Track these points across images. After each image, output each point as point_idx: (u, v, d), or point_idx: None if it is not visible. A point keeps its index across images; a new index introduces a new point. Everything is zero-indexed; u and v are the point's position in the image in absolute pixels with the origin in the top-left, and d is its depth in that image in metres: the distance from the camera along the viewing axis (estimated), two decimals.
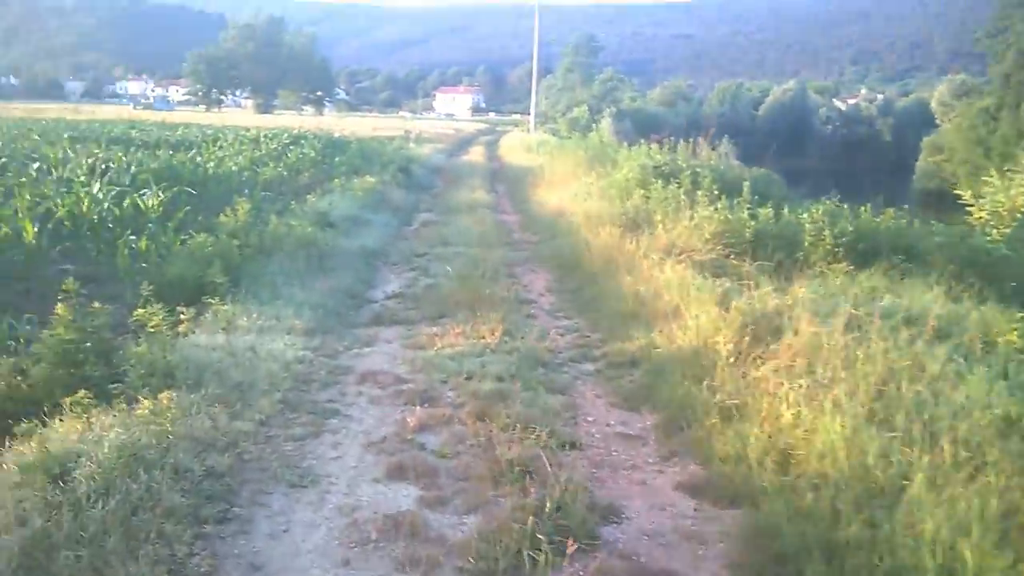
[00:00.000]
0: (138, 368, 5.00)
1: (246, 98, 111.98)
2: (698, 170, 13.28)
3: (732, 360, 6.11)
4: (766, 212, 10.48)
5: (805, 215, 10.00)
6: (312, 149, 21.07)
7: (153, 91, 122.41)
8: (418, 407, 5.52)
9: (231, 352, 5.86)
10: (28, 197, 9.23)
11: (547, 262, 11.25)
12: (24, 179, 11.01)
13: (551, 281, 10.07)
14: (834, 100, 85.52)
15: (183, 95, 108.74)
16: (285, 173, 17.33)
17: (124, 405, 4.61)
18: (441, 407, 5.55)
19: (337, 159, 20.25)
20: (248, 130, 27.77)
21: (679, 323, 7.31)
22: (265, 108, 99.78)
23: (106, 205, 9.72)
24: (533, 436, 5.04)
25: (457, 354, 6.56)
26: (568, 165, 19.66)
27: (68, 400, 4.35)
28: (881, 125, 75.82)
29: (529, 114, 63.47)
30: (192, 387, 5.07)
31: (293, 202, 12.34)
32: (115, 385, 4.83)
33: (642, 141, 18.53)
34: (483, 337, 7.08)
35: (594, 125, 39.27)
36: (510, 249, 11.95)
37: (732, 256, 9.88)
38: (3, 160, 13.92)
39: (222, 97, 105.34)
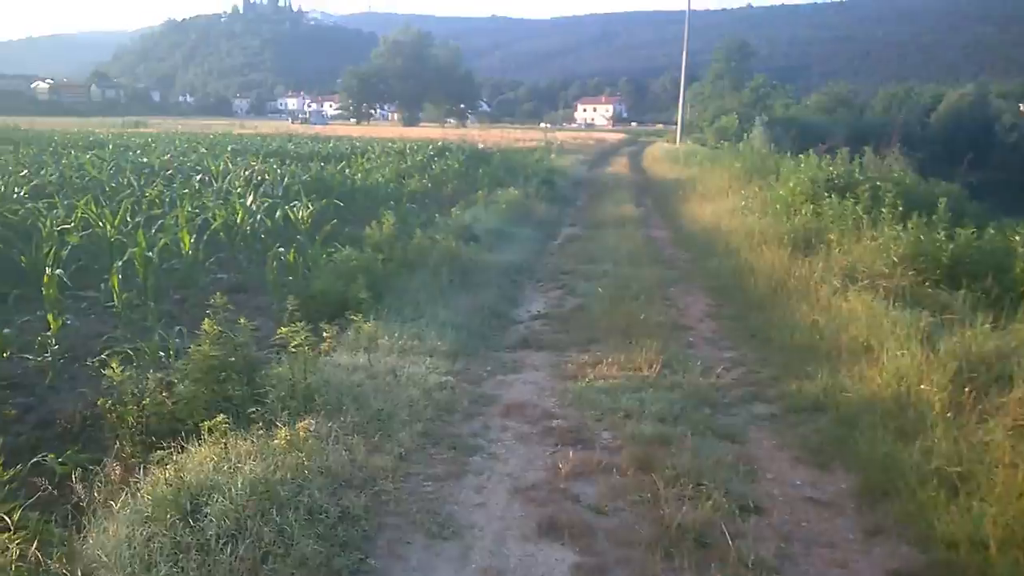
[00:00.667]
0: (279, 389, 4.73)
1: (393, 111, 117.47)
2: (879, 184, 11.85)
3: (948, 415, 5.07)
4: (967, 233, 9.07)
5: (1018, 237, 8.57)
6: (456, 161, 21.18)
7: (309, 106, 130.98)
8: (570, 449, 4.92)
9: (372, 375, 5.52)
10: (189, 208, 9.58)
11: (704, 284, 10.34)
12: (187, 190, 11.57)
13: (710, 306, 9.18)
14: (1021, 105, 77.12)
15: (336, 110, 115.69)
16: (429, 185, 17.40)
17: (262, 431, 4.33)
18: (596, 451, 4.91)
19: (480, 171, 20.20)
20: (393, 142, 28.51)
21: (871, 363, 6.28)
22: (410, 121, 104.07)
23: (259, 217, 9.93)
24: (705, 495, 4.30)
25: (611, 387, 5.90)
26: (722, 177, 18.49)
27: (207, 425, 4.11)
28: None
29: (673, 124, 61.72)
30: (331, 413, 4.74)
31: (437, 215, 12.17)
32: (254, 409, 4.57)
33: (808, 151, 17.05)
34: (639, 368, 6.38)
35: (745, 135, 37.39)
36: (662, 268, 11.13)
37: (927, 284, 8.61)
38: (170, 172, 14.83)
39: (371, 111, 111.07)
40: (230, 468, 3.78)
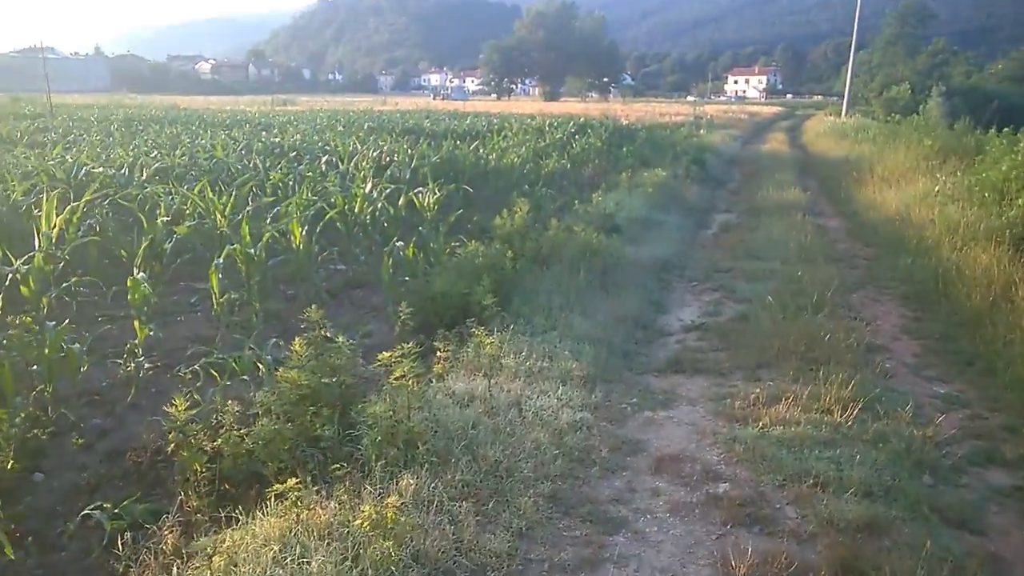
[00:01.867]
0: (376, 432, 3.83)
1: (534, 86, 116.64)
2: None
3: None
4: None
5: None
6: (598, 139, 19.80)
7: (451, 82, 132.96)
8: (744, 532, 3.70)
9: (491, 410, 4.52)
10: (308, 194, 8.99)
11: (894, 289, 8.56)
12: (311, 174, 11.07)
13: (906, 319, 7.48)
14: None
15: (477, 85, 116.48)
16: (569, 166, 16.23)
17: (348, 493, 3.44)
18: (781, 539, 3.65)
19: (624, 149, 18.76)
20: (532, 118, 27.43)
21: None
22: (551, 95, 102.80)
23: (379, 204, 9.17)
24: None
25: (794, 438, 4.57)
26: (907, 157, 16.00)
27: (274, 490, 3.26)
28: None
29: (833, 96, 56.71)
30: (436, 467, 3.78)
31: (576, 200, 11.02)
32: (339, 465, 3.69)
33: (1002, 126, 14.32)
34: (829, 410, 4.99)
35: (920, 107, 33.40)
36: (840, 267, 9.40)
37: None
38: (295, 154, 14.46)
39: (512, 86, 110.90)
40: (295, 559, 2.90)
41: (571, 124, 23.21)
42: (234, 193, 8.68)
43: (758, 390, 5.32)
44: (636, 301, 7.59)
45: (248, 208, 8.12)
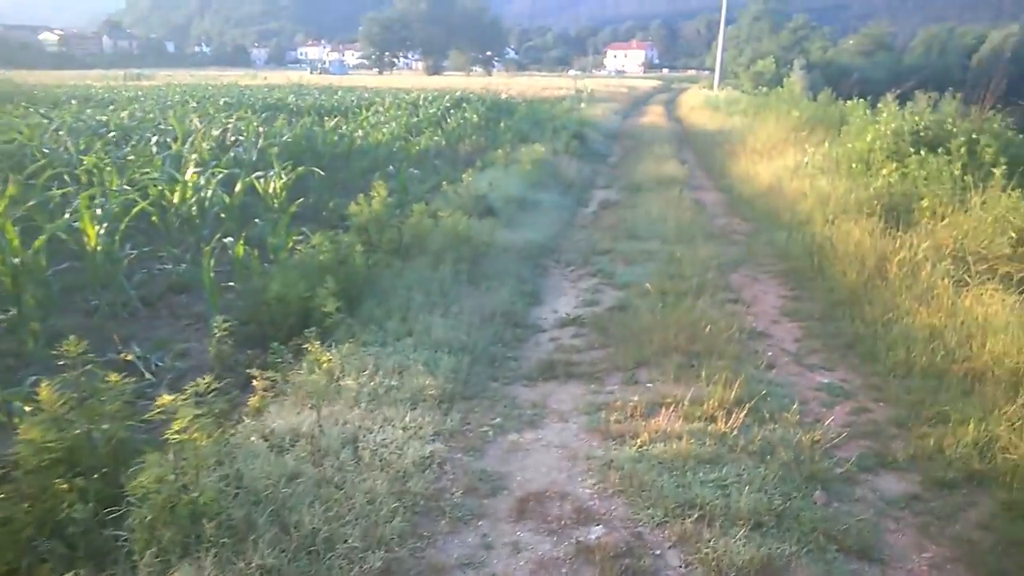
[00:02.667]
0: (146, 508, 2.90)
1: (417, 60, 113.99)
2: (975, 137, 9.60)
3: None
4: None
5: None
6: (475, 114, 18.93)
7: (329, 56, 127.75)
8: None
9: (318, 452, 3.67)
10: (117, 183, 7.62)
11: (772, 266, 8.29)
12: (132, 157, 9.49)
13: (785, 299, 7.16)
14: None
15: (358, 59, 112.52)
16: (443, 143, 15.33)
17: None
18: None
19: (503, 124, 18.02)
20: (408, 93, 26.18)
21: None
22: (435, 69, 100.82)
23: (209, 193, 7.95)
24: None
25: (676, 457, 3.98)
26: (776, 129, 16.14)
27: None
28: None
29: (707, 70, 58.30)
30: (230, 547, 2.90)
31: (445, 182, 10.18)
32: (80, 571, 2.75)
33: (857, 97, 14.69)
34: (712, 416, 4.46)
35: (783, 79, 34.66)
36: (719, 244, 9.07)
37: None
38: (121, 135, 12.51)
39: (394, 60, 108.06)
40: None
41: (447, 98, 22.18)
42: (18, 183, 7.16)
43: (636, 397, 4.72)
44: (508, 293, 6.89)
45: (31, 202, 6.69)
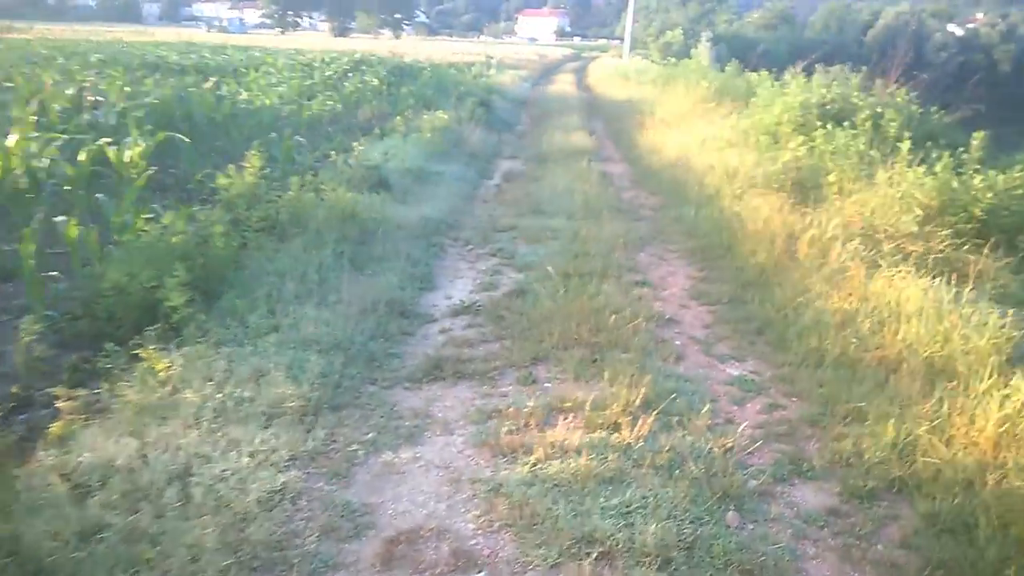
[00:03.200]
0: None
1: (323, 21, 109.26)
2: (880, 111, 9.54)
3: None
4: (1008, 175, 7.07)
5: None
6: (375, 77, 17.83)
7: (229, 13, 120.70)
8: None
9: (137, 492, 2.95)
10: None
11: (680, 244, 7.92)
12: None
13: (694, 280, 6.79)
14: (949, 25, 76.47)
15: (260, 18, 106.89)
16: (340, 107, 14.30)
17: None
18: None
19: (404, 90, 17.04)
20: (305, 53, 24.58)
21: (956, 397, 4.07)
22: (341, 31, 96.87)
23: (45, 162, 6.82)
24: None
25: (574, 477, 3.47)
26: (685, 100, 15.90)
27: None
28: (999, 54, 67.13)
29: (617, 39, 58.28)
30: None
31: (337, 151, 9.31)
32: None
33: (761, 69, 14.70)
34: (616, 425, 3.97)
35: (692, 51, 34.94)
36: (626, 220, 8.65)
37: (962, 246, 6.59)
38: None
39: (298, 20, 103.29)
40: None
41: (345, 61, 20.85)
42: None
43: (532, 401, 4.19)
44: (397, 277, 6.21)
45: None
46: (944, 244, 6.50)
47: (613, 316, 5.32)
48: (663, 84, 20.51)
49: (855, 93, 10.38)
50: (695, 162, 10.92)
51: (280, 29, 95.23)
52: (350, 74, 17.62)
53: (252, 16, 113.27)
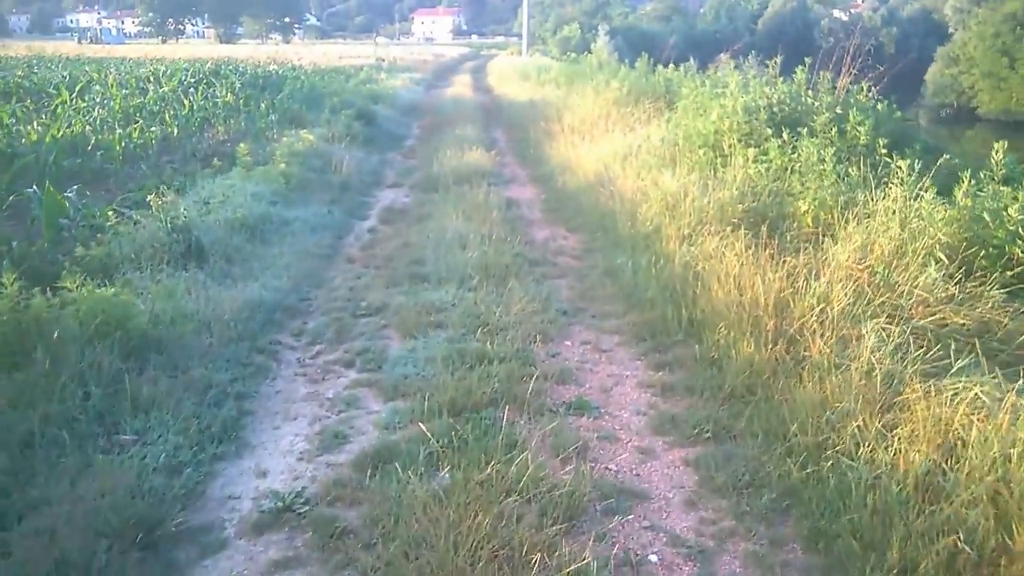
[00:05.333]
0: None
1: (207, 27, 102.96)
2: (838, 111, 7.59)
3: None
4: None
5: None
6: (229, 91, 14.83)
7: (105, 23, 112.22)
8: None
9: None
10: None
11: (619, 317, 5.66)
12: None
13: (651, 393, 4.51)
14: (834, 11, 78.94)
15: (139, 26, 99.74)
16: (175, 131, 11.41)
17: None
18: None
19: (264, 105, 14.18)
20: (148, 64, 21.00)
21: None
22: (227, 38, 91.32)
23: None
24: None
25: None
26: (595, 102, 13.73)
27: None
28: (884, 36, 69.74)
29: (514, 36, 56.46)
30: None
31: (111, 210, 6.58)
32: None
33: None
34: None
35: (591, 45, 33.48)
36: (539, 278, 6.35)
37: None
38: None
39: (180, 27, 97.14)
40: None
41: (190, 71, 17.50)
42: None
43: None
44: (174, 437, 3.68)
45: None
46: (995, 311, 4.52)
47: (528, 533, 2.97)
48: (567, 83, 18.39)
49: (806, 93, 8.43)
50: (620, 184, 8.70)
51: (161, 38, 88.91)
52: (192, 89, 14.49)
53: (131, 25, 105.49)
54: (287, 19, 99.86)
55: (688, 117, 9.32)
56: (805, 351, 4.35)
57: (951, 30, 42.41)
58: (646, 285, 5.90)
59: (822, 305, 4.61)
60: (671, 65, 14.14)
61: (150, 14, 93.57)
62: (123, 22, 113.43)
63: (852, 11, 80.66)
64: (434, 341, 5.00)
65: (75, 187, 7.16)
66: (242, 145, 9.71)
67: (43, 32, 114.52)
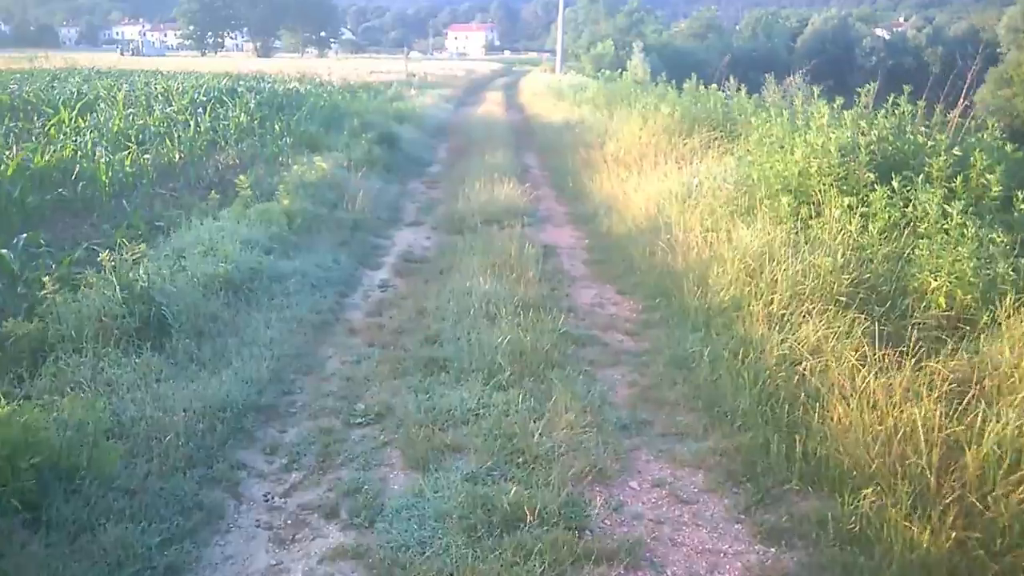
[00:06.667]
0: None
1: (246, 41, 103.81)
2: (957, 152, 6.06)
3: None
4: None
5: None
6: (243, 110, 13.69)
7: (150, 35, 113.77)
8: None
9: None
10: None
11: (708, 452, 4.19)
12: None
13: None
14: (877, 29, 76.73)
15: (179, 39, 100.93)
16: (177, 157, 10.25)
17: None
18: None
19: (279, 126, 13.01)
20: (172, 78, 20.02)
21: None
22: (266, 51, 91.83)
23: None
24: None
25: None
26: (641, 128, 12.28)
27: None
28: (929, 56, 67.39)
29: (547, 52, 55.28)
30: None
31: (69, 261, 5.35)
32: None
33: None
34: None
35: (627, 62, 32.27)
36: (587, 370, 4.96)
37: None
38: None
39: (220, 40, 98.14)
40: None
41: (204, 88, 16.38)
42: None
43: None
44: None
45: None
46: None
47: None
48: (606, 105, 17.00)
49: (914, 129, 6.93)
50: (680, 234, 7.28)
51: (200, 51, 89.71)
52: (201, 109, 13.32)
53: (173, 38, 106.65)
54: (323, 33, 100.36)
55: (763, 154, 7.84)
56: (1001, 540, 2.90)
57: (1002, 50, 40.50)
58: (732, 388, 4.47)
59: (1013, 456, 3.16)
60: (714, 86, 12.80)
61: (191, 27, 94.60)
62: (166, 35, 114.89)
63: (895, 29, 78.59)
64: (449, 479, 3.62)
65: (25, 234, 5.91)
66: (242, 177, 8.47)
67: (91, 44, 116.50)
